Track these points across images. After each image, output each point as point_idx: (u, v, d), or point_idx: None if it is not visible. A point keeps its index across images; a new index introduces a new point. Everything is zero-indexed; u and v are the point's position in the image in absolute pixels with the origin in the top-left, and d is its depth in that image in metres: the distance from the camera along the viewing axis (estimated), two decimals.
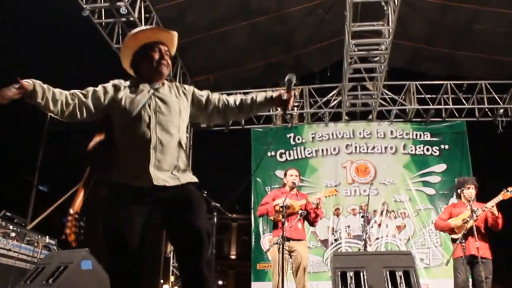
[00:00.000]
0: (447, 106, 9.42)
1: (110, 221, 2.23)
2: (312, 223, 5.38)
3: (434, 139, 9.39)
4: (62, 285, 3.81)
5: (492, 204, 4.81)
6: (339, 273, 3.87)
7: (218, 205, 5.20)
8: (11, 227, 5.05)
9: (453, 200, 7.53)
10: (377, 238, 8.90)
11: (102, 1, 6.64)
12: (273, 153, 9.64)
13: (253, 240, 9.33)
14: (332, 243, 8.97)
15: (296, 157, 9.56)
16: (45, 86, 2.17)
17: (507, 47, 8.18)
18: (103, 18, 7.01)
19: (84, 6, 6.52)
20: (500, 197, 4.80)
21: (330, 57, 9.44)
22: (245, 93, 2.58)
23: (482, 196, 5.17)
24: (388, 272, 3.80)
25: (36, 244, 5.37)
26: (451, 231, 5.07)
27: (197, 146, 10.33)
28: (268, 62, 9.16)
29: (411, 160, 9.32)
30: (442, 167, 9.17)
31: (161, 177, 2.24)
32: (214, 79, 9.20)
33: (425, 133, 9.47)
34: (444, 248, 8.53)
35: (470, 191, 5.03)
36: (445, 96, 9.41)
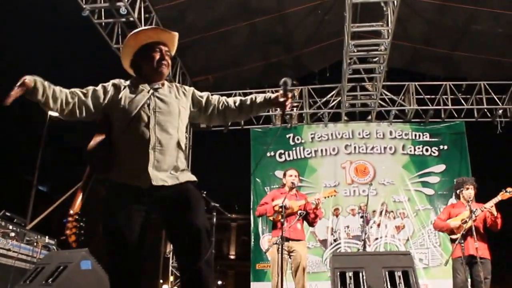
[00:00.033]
0: (446, 107, 9.44)
1: (110, 221, 2.23)
2: (312, 224, 5.38)
3: (433, 139, 9.41)
4: (62, 285, 3.82)
5: (491, 204, 4.81)
6: (338, 273, 3.88)
7: (217, 205, 5.21)
8: (10, 227, 5.05)
9: (452, 200, 7.54)
10: (376, 238, 8.91)
11: (102, 1, 6.64)
12: (272, 153, 9.65)
13: (253, 240, 9.33)
14: (331, 243, 8.99)
15: (295, 158, 9.57)
16: (46, 83, 2.18)
17: (505, 47, 8.21)
18: (103, 18, 7.00)
19: (84, 6, 6.52)
20: (499, 198, 4.80)
21: (330, 57, 9.45)
22: (244, 94, 2.60)
23: (481, 197, 5.18)
24: (387, 272, 3.80)
25: (35, 244, 5.37)
26: (450, 231, 5.08)
27: (196, 146, 10.34)
28: (268, 62, 9.17)
29: (410, 160, 9.33)
30: (441, 167, 9.19)
31: (160, 177, 2.24)
32: (214, 80, 9.21)
33: (424, 133, 9.49)
34: (443, 248, 8.55)
35: (469, 192, 5.03)
36: (444, 96, 9.42)
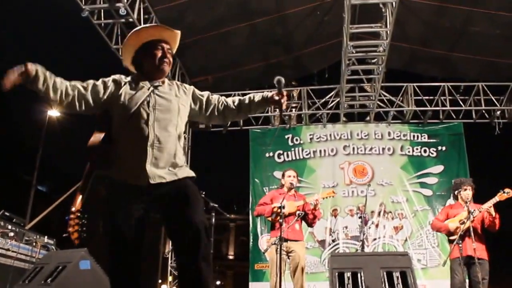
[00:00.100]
0: (444, 108, 9.46)
1: (110, 221, 2.25)
2: (310, 224, 5.40)
3: (431, 140, 9.43)
4: (61, 285, 3.81)
5: (488, 205, 4.83)
6: (337, 273, 3.89)
7: (216, 205, 5.23)
8: (9, 227, 5.06)
9: (450, 201, 7.56)
10: (375, 239, 8.93)
11: (101, 2, 6.63)
12: (271, 154, 9.66)
13: (251, 240, 9.35)
14: (329, 244, 9.00)
15: (294, 158, 9.59)
16: (47, 73, 2.19)
17: (503, 48, 8.23)
18: (102, 19, 7.00)
19: (84, 7, 6.51)
20: (496, 198, 4.83)
21: (329, 58, 9.46)
22: (244, 95, 2.62)
23: (479, 197, 5.20)
24: (385, 273, 3.81)
25: (34, 244, 5.38)
26: (448, 232, 5.10)
27: (195, 146, 10.34)
28: (267, 63, 9.18)
29: (409, 161, 9.35)
30: (439, 168, 9.21)
31: (158, 173, 2.25)
32: (213, 80, 9.22)
33: (422, 134, 9.51)
34: (441, 249, 8.57)
35: (467, 192, 5.06)
36: (442, 97, 9.44)
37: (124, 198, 2.24)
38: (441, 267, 7.09)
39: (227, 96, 2.67)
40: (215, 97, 2.59)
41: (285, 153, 9.65)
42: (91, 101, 2.34)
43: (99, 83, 2.39)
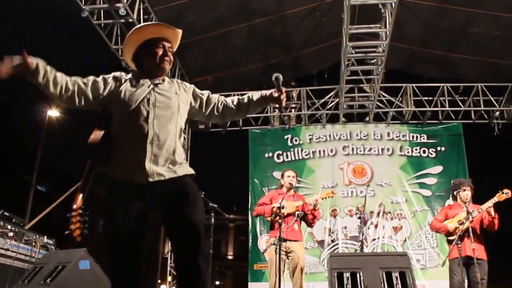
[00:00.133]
0: (443, 108, 9.47)
1: (110, 221, 2.26)
2: (310, 224, 5.40)
3: (430, 141, 9.45)
4: (60, 284, 3.82)
5: (487, 205, 4.84)
6: (336, 274, 3.90)
7: (216, 205, 5.23)
8: (9, 226, 5.06)
9: (449, 201, 7.55)
10: (374, 239, 8.94)
11: (101, 2, 6.64)
12: (270, 154, 9.67)
13: (250, 240, 9.35)
14: (328, 244, 9.01)
15: (293, 158, 9.60)
16: (48, 67, 2.19)
17: (502, 49, 8.25)
18: (102, 19, 7.01)
19: (83, 7, 6.52)
20: (495, 199, 4.83)
21: (328, 59, 9.47)
22: (243, 95, 2.63)
23: (478, 198, 5.20)
24: (384, 273, 3.82)
25: (34, 243, 5.38)
26: (447, 232, 5.10)
27: (195, 147, 10.36)
28: (267, 63, 9.19)
29: (408, 161, 9.37)
30: (438, 169, 9.22)
31: (157, 171, 2.26)
32: (213, 80, 9.22)
33: (421, 135, 9.52)
34: (440, 249, 8.58)
35: (466, 193, 5.06)
36: (441, 98, 9.46)
37: (124, 197, 2.24)
38: (440, 267, 7.11)
39: (227, 96, 2.69)
40: (215, 96, 2.61)
41: (284, 154, 9.65)
42: (90, 97, 2.34)
43: (99, 79, 2.40)
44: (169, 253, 9.74)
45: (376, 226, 8.99)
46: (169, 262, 9.75)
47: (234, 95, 2.79)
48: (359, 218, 6.11)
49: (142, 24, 2.54)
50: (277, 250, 4.68)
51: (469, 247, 4.67)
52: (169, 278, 11.32)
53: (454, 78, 9.53)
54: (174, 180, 2.29)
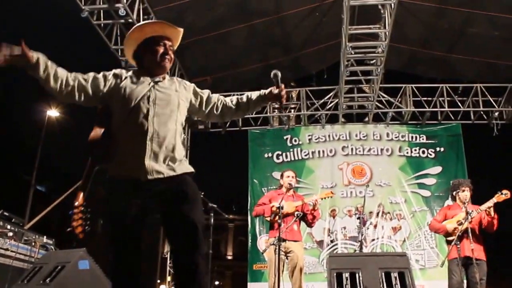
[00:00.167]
0: (442, 109, 9.48)
1: (110, 221, 2.26)
2: (310, 224, 5.41)
3: (429, 141, 9.46)
4: (59, 284, 3.83)
5: (486, 206, 4.85)
6: (335, 274, 3.91)
7: (215, 206, 5.24)
8: (8, 226, 5.07)
9: (448, 202, 7.56)
10: (373, 240, 8.95)
11: (101, 3, 6.65)
12: (270, 155, 9.68)
13: (250, 241, 9.36)
14: (328, 244, 9.02)
15: (292, 159, 9.61)
16: (49, 62, 2.20)
17: (501, 50, 8.26)
18: (102, 19, 7.02)
19: (83, 7, 6.53)
20: (494, 200, 4.83)
21: (327, 59, 9.48)
22: (241, 95, 2.65)
23: (477, 199, 5.22)
24: (383, 273, 3.83)
25: (33, 243, 5.39)
26: (446, 233, 5.11)
27: (194, 147, 10.36)
28: (266, 63, 9.19)
29: (407, 162, 9.38)
30: (437, 169, 9.24)
31: (156, 169, 2.26)
32: (212, 81, 9.23)
33: (420, 135, 9.54)
34: (439, 249, 8.59)
35: (465, 194, 5.07)
36: (440, 98, 9.47)
37: (124, 197, 2.25)
38: (439, 267, 7.14)
39: (226, 96, 2.71)
40: (215, 96, 2.63)
41: (283, 154, 9.66)
42: (90, 92, 2.35)
43: (99, 76, 2.41)
44: (169, 253, 9.73)
45: (375, 226, 9.00)
46: (168, 262, 9.75)
47: (233, 95, 2.79)
48: (358, 218, 6.12)
49: (143, 22, 2.54)
50: (277, 250, 4.68)
51: (468, 248, 4.67)
52: (169, 278, 11.31)
53: (453, 79, 9.54)
54: (173, 179, 2.29)
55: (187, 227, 2.20)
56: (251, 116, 9.78)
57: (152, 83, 2.41)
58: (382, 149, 9.49)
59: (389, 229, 9.00)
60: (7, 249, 4.92)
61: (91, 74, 2.39)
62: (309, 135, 9.76)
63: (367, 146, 9.55)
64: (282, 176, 5.50)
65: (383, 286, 3.76)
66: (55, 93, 2.27)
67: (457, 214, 5.05)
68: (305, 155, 9.62)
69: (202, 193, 4.67)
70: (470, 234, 4.62)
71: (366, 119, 9.86)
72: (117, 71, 2.47)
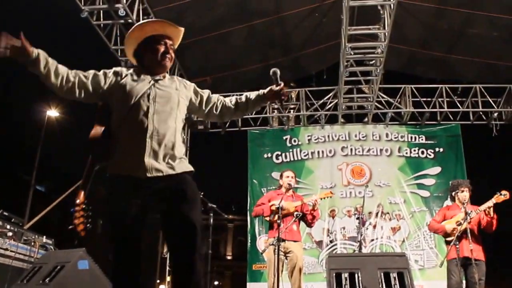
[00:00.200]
0: (442, 109, 9.49)
1: (110, 220, 2.27)
2: (309, 225, 5.41)
3: (429, 142, 9.47)
4: (59, 284, 3.82)
5: (485, 206, 4.86)
6: (334, 274, 3.91)
7: (215, 206, 5.24)
8: (8, 226, 5.07)
9: (448, 202, 7.59)
10: (372, 240, 8.95)
11: (101, 3, 6.65)
12: (269, 155, 9.69)
13: (249, 241, 9.36)
14: (327, 245, 9.02)
15: (292, 159, 9.61)
16: (50, 58, 2.21)
17: (501, 51, 8.26)
18: (102, 19, 7.02)
19: (83, 8, 6.54)
20: (493, 200, 4.84)
21: (327, 60, 9.49)
22: (241, 95, 2.66)
23: (476, 199, 5.22)
24: (382, 274, 3.84)
25: (33, 243, 5.38)
26: (445, 233, 5.12)
27: (194, 147, 10.37)
28: (266, 64, 9.19)
29: (406, 162, 9.38)
30: (436, 169, 9.24)
31: (156, 167, 2.27)
32: (212, 81, 9.23)
33: (420, 136, 9.55)
34: (439, 250, 8.60)
35: (464, 194, 5.08)
36: (440, 99, 9.48)
37: (124, 197, 2.25)
38: (438, 268, 7.14)
39: (226, 96, 2.72)
40: (215, 96, 2.64)
41: (283, 154, 9.67)
42: (91, 89, 2.36)
43: (100, 73, 2.42)
44: (168, 253, 9.74)
45: (374, 226, 9.00)
46: (168, 262, 9.76)
47: (233, 95, 2.80)
48: (358, 218, 6.13)
49: (144, 20, 2.55)
50: (276, 250, 4.69)
51: (467, 248, 4.68)
52: (168, 278, 11.33)
53: (452, 79, 9.55)
54: (172, 177, 2.30)
55: (185, 227, 2.20)
56: (251, 116, 9.79)
57: (152, 81, 2.42)
58: (381, 150, 9.50)
59: (388, 230, 9.01)
60: (6, 249, 4.92)
61: (91, 72, 2.40)
62: (308, 136, 9.77)
63: (366, 147, 9.56)
64: (281, 176, 5.50)
65: (382, 286, 3.76)
66: (55, 89, 2.28)
67: (456, 214, 5.05)
68: (305, 156, 9.63)
69: (202, 193, 4.68)
70: (469, 235, 4.62)
71: (366, 119, 9.87)
72: (118, 69, 2.48)
